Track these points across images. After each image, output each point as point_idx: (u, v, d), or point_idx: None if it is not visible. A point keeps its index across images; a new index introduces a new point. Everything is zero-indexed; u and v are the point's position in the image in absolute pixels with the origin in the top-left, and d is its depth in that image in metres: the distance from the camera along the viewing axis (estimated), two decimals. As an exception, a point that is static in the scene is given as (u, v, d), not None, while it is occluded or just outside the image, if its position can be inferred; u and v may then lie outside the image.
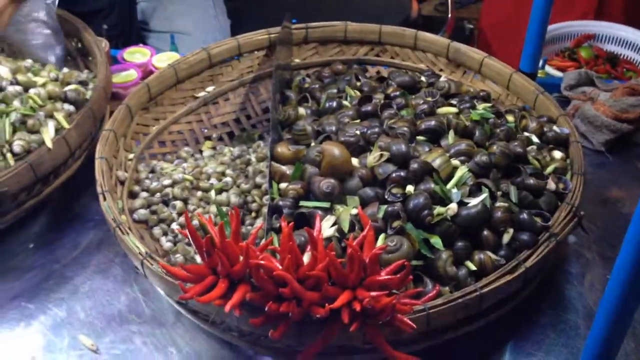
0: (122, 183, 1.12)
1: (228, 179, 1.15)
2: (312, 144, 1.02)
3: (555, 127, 1.10)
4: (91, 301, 1.02)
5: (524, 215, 0.91)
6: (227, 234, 0.80)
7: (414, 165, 0.90)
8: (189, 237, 0.78)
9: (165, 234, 1.07)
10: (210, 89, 1.34)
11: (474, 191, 0.91)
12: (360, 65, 1.40)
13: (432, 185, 0.89)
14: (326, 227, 0.86)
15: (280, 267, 0.73)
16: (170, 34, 1.65)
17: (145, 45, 1.49)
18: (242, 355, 0.94)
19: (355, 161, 0.95)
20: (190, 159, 1.24)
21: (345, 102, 1.18)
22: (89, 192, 1.19)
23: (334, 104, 1.15)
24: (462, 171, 0.91)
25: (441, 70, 1.35)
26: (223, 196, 1.12)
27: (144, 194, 1.11)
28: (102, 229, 1.15)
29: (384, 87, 1.23)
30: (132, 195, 1.12)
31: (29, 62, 1.22)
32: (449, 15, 2.01)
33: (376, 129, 0.99)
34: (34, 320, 0.99)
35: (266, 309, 0.73)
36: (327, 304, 0.73)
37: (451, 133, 0.99)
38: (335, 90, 1.24)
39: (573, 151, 1.06)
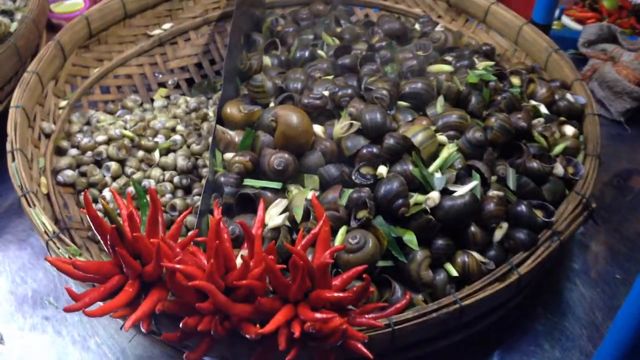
0: (48, 136, 0.94)
1: (177, 137, 0.97)
2: (272, 104, 0.83)
3: (568, 95, 0.91)
4: (1, 277, 0.86)
5: (522, 208, 0.73)
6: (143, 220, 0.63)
7: (389, 141, 0.72)
8: (90, 222, 0.61)
9: (95, 201, 0.90)
10: (167, 26, 1.14)
11: (463, 176, 0.73)
12: (346, 6, 1.19)
13: (411, 167, 0.71)
14: (274, 214, 0.69)
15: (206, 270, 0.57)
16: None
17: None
18: (174, 355, 0.78)
19: (319, 129, 0.77)
20: (138, 109, 1.05)
21: (320, 52, 0.98)
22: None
23: (306, 53, 0.96)
24: (449, 150, 0.73)
25: (440, 17, 1.15)
26: (169, 158, 0.95)
27: (73, 151, 0.94)
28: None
29: (369, 35, 1.03)
30: (60, 151, 0.94)
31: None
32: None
33: (348, 90, 0.80)
34: None
35: (181, 325, 0.57)
36: (258, 325, 0.56)
37: (440, 100, 0.80)
38: (311, 37, 1.04)
39: (588, 126, 0.87)
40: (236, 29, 1.01)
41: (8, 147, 0.82)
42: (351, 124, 0.74)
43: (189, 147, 0.96)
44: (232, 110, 0.80)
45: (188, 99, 1.08)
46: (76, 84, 1.03)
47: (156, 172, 0.93)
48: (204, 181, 0.92)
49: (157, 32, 1.13)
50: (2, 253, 0.89)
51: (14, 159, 0.80)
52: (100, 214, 0.65)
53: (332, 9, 1.15)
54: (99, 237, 0.61)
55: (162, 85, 1.12)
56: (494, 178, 0.76)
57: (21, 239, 0.91)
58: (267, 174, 0.72)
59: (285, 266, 0.58)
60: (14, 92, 0.89)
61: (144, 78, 1.11)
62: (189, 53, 1.16)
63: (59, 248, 0.71)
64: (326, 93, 0.81)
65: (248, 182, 0.72)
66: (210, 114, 1.02)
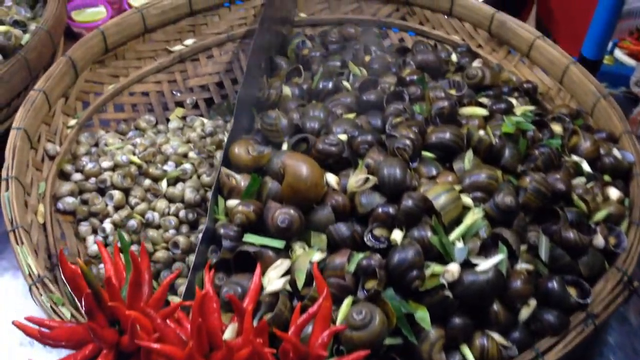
0: (52, 158, 0.89)
1: (187, 166, 0.91)
2: (284, 146, 0.76)
3: (615, 151, 0.82)
4: (-8, 307, 0.82)
5: (554, 285, 0.65)
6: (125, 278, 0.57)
7: (407, 202, 0.64)
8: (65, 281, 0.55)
9: (94, 231, 0.85)
10: (189, 42, 1.08)
11: (488, 247, 0.65)
12: (380, 28, 1.12)
13: (429, 234, 0.64)
14: (274, 277, 0.63)
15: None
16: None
17: (124, -23, 1.23)
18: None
19: (332, 179, 0.70)
20: (151, 130, 1.00)
21: (345, 83, 0.91)
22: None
23: (330, 85, 0.89)
24: (474, 216, 0.65)
25: (479, 46, 1.06)
26: (177, 188, 0.89)
27: (77, 176, 0.88)
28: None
29: (400, 66, 0.95)
30: (63, 175, 0.89)
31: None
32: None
33: (368, 137, 0.73)
34: None
35: (154, 410, 0.51)
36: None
37: (469, 154, 0.72)
38: (337, 63, 0.97)
39: (635, 189, 0.78)
40: (257, 51, 0.95)
41: (3, 173, 0.77)
42: (367, 179, 0.67)
43: (199, 177, 0.90)
44: (240, 150, 0.73)
45: (205, 121, 1.02)
46: (88, 101, 0.98)
47: (162, 204, 0.87)
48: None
49: (178, 47, 1.07)
50: (-11, 284, 0.85)
51: (7, 188, 0.75)
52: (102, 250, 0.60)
53: (363, 32, 1.08)
54: (76, 299, 0.56)
55: (180, 104, 1.07)
56: (523, 247, 0.68)
57: (17, 266, 0.86)
58: (270, 230, 0.66)
59: (275, 351, 0.51)
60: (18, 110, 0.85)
61: (161, 96, 1.06)
62: (211, 71, 1.10)
63: (41, 295, 0.65)
64: (344, 137, 0.74)
65: (249, 237, 0.65)
66: (225, 139, 0.96)
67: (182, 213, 0.86)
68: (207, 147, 0.95)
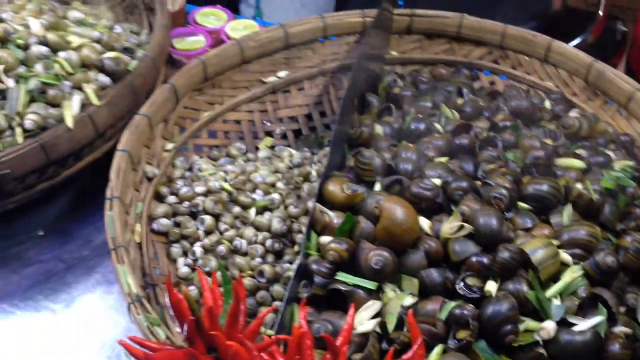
0: (150, 180, 0.93)
1: (276, 197, 0.93)
2: (378, 186, 0.77)
3: None
4: (84, 322, 0.85)
5: (654, 352, 0.63)
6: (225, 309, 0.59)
7: (503, 255, 0.64)
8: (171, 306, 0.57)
9: (185, 254, 0.88)
10: (283, 74, 1.11)
11: (586, 307, 0.63)
12: (471, 70, 1.12)
13: (525, 289, 0.63)
14: (365, 318, 0.63)
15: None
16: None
17: (224, 8, 1.28)
18: None
19: (425, 224, 0.70)
20: (241, 158, 1.03)
21: (437, 125, 0.91)
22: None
23: (422, 126, 0.89)
24: (573, 275, 0.64)
25: (575, 94, 1.05)
26: (264, 218, 0.91)
27: (172, 199, 0.92)
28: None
29: (493, 111, 0.95)
30: (159, 197, 0.93)
31: (78, 14, 1.04)
32: (600, 13, 1.64)
33: (463, 184, 0.73)
34: (14, 330, 0.84)
35: None
36: None
37: (569, 209, 0.71)
38: (429, 104, 0.98)
39: None
40: (353, 88, 0.97)
41: (108, 193, 0.81)
42: (462, 226, 0.67)
43: (286, 208, 0.92)
44: (335, 188, 0.75)
45: (293, 152, 1.04)
46: (185, 126, 1.02)
47: (249, 232, 0.89)
48: (296, 247, 0.88)
49: (271, 79, 1.10)
50: (89, 295, 0.89)
51: (111, 208, 0.79)
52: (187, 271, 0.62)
53: (455, 74, 1.08)
54: (178, 322, 0.58)
55: (270, 134, 1.09)
56: (622, 309, 0.66)
57: (109, 281, 0.91)
58: (362, 270, 0.66)
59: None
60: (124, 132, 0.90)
61: (252, 125, 1.09)
62: (301, 103, 1.13)
63: (139, 314, 0.68)
64: (438, 182, 0.74)
65: (342, 276, 0.66)
66: (314, 173, 0.98)
67: (268, 242, 0.88)
68: (295, 179, 0.97)
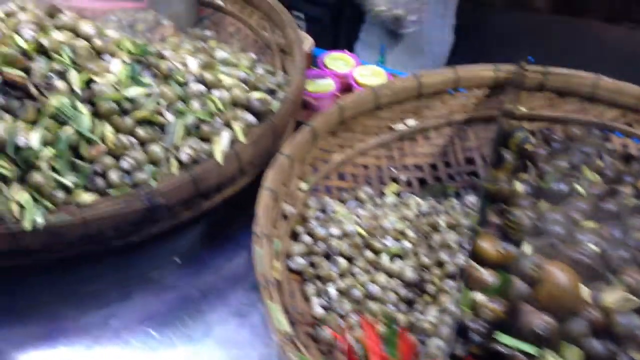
0: (286, 218, 0.96)
1: (407, 244, 0.94)
2: (527, 247, 0.77)
3: None
4: (219, 352, 0.88)
5: None
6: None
7: (675, 333, 0.62)
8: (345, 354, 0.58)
9: (319, 294, 0.90)
10: (411, 122, 1.13)
11: None
12: (602, 131, 1.10)
13: (698, 369, 0.61)
14: (525, 383, 0.62)
15: None
16: (381, 45, 1.46)
17: (351, 53, 1.32)
18: None
19: (585, 291, 0.69)
20: (369, 203, 1.05)
21: (578, 187, 0.91)
22: (249, 213, 1.06)
23: (564, 187, 0.89)
24: None
25: None
26: (396, 264, 0.92)
27: (307, 239, 0.94)
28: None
29: (635, 176, 0.93)
30: (294, 236, 0.95)
31: (224, 54, 1.10)
32: None
33: (624, 253, 0.72)
34: (152, 353, 0.87)
35: None
36: None
37: None
38: (565, 164, 0.97)
39: None
40: (496, 143, 0.97)
41: (257, 229, 0.84)
42: (627, 298, 0.66)
43: (417, 256, 0.93)
44: (487, 245, 0.75)
45: (419, 201, 1.05)
46: (318, 167, 1.05)
47: (382, 277, 0.90)
48: (426, 297, 0.89)
49: (400, 126, 1.12)
50: (224, 325, 0.91)
51: (259, 244, 0.82)
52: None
53: (589, 134, 1.07)
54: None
55: (395, 180, 1.11)
56: None
57: (243, 313, 0.93)
58: (521, 332, 0.66)
59: None
60: (264, 164, 0.93)
61: (379, 170, 1.11)
62: (426, 152, 1.14)
63: (290, 352, 0.70)
64: (595, 248, 0.73)
65: (502, 337, 0.66)
66: (442, 223, 0.98)
67: (401, 290, 0.89)
68: (423, 227, 0.98)
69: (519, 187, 0.90)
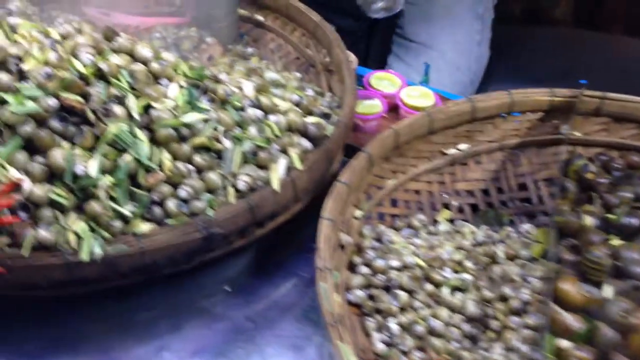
0: (342, 248, 0.93)
1: (467, 277, 0.91)
2: (608, 289, 0.74)
3: None
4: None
5: None
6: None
7: None
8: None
9: (380, 329, 0.87)
10: (463, 146, 1.10)
11: None
12: (659, 157, 1.08)
13: None
14: None
15: None
16: (425, 64, 1.43)
17: (397, 73, 1.29)
18: None
19: (676, 339, 0.66)
20: (423, 231, 1.02)
21: (649, 221, 0.88)
22: (298, 239, 1.03)
23: (636, 222, 0.86)
24: None
25: None
26: (457, 298, 0.89)
27: (365, 270, 0.92)
28: (304, 290, 0.98)
29: None
30: (351, 267, 0.93)
31: (274, 75, 1.07)
32: None
33: None
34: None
35: None
36: None
37: None
38: (630, 195, 0.94)
39: None
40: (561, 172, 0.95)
41: (319, 263, 0.81)
42: None
43: (478, 289, 0.90)
44: (569, 287, 0.72)
45: (474, 229, 1.02)
46: (371, 194, 1.02)
47: (443, 312, 0.88)
48: (489, 333, 0.86)
49: (452, 151, 1.10)
50: (280, 358, 0.88)
51: (324, 280, 0.79)
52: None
53: (648, 162, 1.04)
54: None
55: (446, 206, 1.08)
56: None
57: (298, 345, 0.90)
58: (614, 384, 0.63)
59: None
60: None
61: (430, 196, 1.08)
62: (478, 177, 1.11)
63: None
64: (682, 293, 0.70)
65: (594, 389, 0.63)
66: (499, 253, 0.95)
67: (465, 326, 0.86)
68: (481, 257, 0.95)
69: (589, 221, 0.87)
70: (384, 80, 1.26)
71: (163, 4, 1.38)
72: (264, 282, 0.99)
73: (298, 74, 1.16)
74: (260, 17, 1.37)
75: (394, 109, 1.24)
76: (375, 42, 1.77)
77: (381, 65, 1.74)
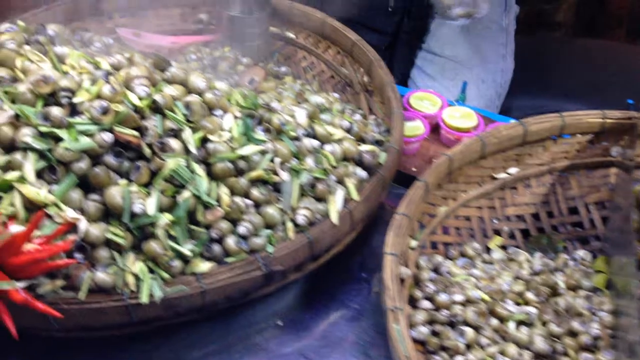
0: (402, 281, 0.89)
1: (532, 310, 0.88)
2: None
3: None
4: None
5: None
6: None
7: None
8: None
9: (445, 368, 0.84)
10: (513, 170, 1.07)
11: None
12: None
13: None
14: None
15: None
16: (463, 83, 1.40)
17: (437, 93, 1.26)
18: None
19: None
20: (478, 259, 0.99)
21: None
22: (346, 268, 1.00)
23: None
24: None
25: None
26: (523, 333, 0.86)
27: (426, 304, 0.88)
28: (356, 324, 0.94)
29: None
30: (412, 301, 0.89)
31: (319, 98, 1.04)
32: None
33: None
34: None
35: None
36: None
37: None
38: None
39: None
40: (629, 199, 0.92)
41: (389, 303, 0.78)
42: None
43: (544, 324, 0.87)
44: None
45: (529, 257, 0.99)
46: (424, 222, 0.99)
47: (512, 349, 0.84)
48: (559, 370, 0.83)
49: (502, 175, 1.07)
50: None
51: (397, 321, 0.76)
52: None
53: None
54: None
55: (497, 232, 1.05)
56: None
57: (357, 384, 0.87)
58: None
59: None
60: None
61: (481, 222, 1.05)
62: (527, 201, 1.08)
63: None
64: None
65: None
66: (560, 283, 0.93)
67: (535, 364, 0.83)
68: (541, 288, 0.92)
69: (661, 252, 0.85)
70: (424, 101, 1.23)
71: (189, 21, 1.34)
72: (315, 317, 0.95)
73: (336, 95, 1.12)
74: (291, 35, 1.34)
75: (434, 129, 1.21)
76: (398, 56, 1.74)
77: (404, 79, 1.71)
